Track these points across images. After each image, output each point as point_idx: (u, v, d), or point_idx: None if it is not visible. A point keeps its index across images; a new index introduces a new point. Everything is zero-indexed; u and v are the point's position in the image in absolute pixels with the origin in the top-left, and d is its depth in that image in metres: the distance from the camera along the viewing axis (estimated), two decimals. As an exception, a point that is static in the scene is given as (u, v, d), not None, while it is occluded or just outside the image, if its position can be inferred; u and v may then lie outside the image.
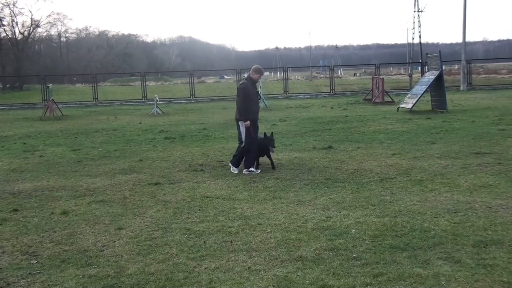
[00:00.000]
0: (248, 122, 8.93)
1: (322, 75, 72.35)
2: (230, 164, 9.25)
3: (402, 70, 74.35)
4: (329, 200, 6.85)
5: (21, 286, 4.46)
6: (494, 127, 13.62)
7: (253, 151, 8.97)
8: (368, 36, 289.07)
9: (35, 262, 5.00)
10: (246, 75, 9.46)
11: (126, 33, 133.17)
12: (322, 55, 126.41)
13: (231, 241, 5.35)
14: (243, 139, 9.04)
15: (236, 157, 9.21)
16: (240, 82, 9.47)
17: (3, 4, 62.76)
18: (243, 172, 8.91)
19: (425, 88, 19.54)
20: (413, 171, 8.51)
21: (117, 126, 18.84)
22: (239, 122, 9.10)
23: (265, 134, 9.24)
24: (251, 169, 8.92)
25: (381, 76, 29.38)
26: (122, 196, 7.56)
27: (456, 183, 7.50)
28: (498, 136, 11.82)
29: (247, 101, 8.96)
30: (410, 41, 43.97)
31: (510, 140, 11.22)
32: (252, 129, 8.98)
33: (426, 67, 23.88)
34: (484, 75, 47.85)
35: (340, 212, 6.24)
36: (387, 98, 25.08)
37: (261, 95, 25.44)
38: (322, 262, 4.67)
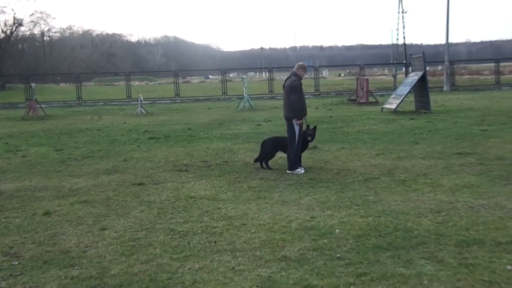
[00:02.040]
0: (302, 120, 8.84)
1: (306, 76, 72.47)
2: (291, 172, 8.68)
3: (386, 70, 74.72)
4: (314, 200, 6.87)
5: (2, 287, 4.41)
6: (477, 127, 13.79)
7: (298, 150, 8.81)
8: (353, 36, 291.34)
9: (16, 263, 4.93)
10: (291, 72, 9.02)
11: (110, 32, 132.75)
12: (307, 56, 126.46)
13: (215, 242, 5.34)
14: (297, 137, 8.77)
15: (291, 160, 8.79)
16: (289, 79, 8.86)
17: (-16, 2, 62.02)
18: (288, 172, 8.66)
19: (409, 89, 19.72)
20: (397, 171, 8.58)
21: (101, 126, 18.70)
22: (293, 120, 8.79)
23: (308, 126, 9.13)
24: (298, 169, 8.71)
25: (365, 77, 29.56)
26: (105, 197, 7.50)
27: (439, 183, 7.58)
28: (480, 137, 11.97)
29: (303, 98, 8.84)
30: (394, 42, 44.49)
31: (492, 140, 11.36)
32: (301, 127, 8.92)
33: (410, 68, 24.11)
34: (467, 76, 48.27)
35: (324, 212, 6.27)
36: (371, 99, 25.25)
37: (245, 95, 25.51)
38: (306, 262, 4.68)
